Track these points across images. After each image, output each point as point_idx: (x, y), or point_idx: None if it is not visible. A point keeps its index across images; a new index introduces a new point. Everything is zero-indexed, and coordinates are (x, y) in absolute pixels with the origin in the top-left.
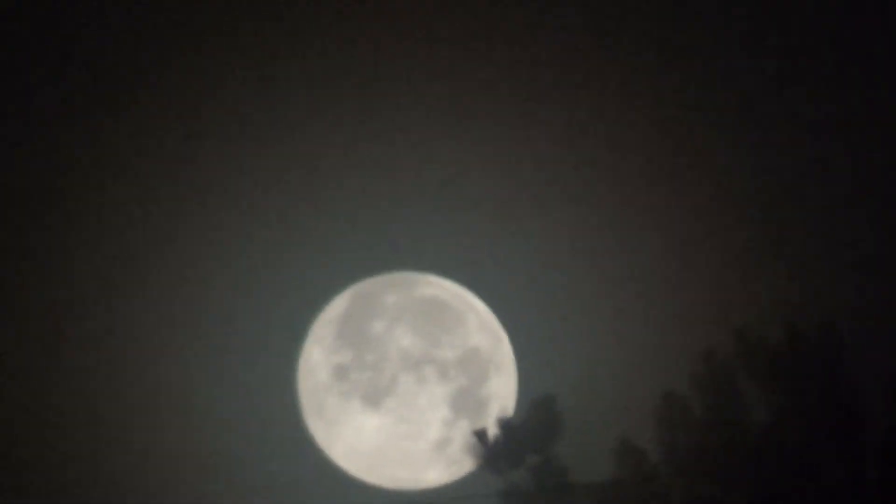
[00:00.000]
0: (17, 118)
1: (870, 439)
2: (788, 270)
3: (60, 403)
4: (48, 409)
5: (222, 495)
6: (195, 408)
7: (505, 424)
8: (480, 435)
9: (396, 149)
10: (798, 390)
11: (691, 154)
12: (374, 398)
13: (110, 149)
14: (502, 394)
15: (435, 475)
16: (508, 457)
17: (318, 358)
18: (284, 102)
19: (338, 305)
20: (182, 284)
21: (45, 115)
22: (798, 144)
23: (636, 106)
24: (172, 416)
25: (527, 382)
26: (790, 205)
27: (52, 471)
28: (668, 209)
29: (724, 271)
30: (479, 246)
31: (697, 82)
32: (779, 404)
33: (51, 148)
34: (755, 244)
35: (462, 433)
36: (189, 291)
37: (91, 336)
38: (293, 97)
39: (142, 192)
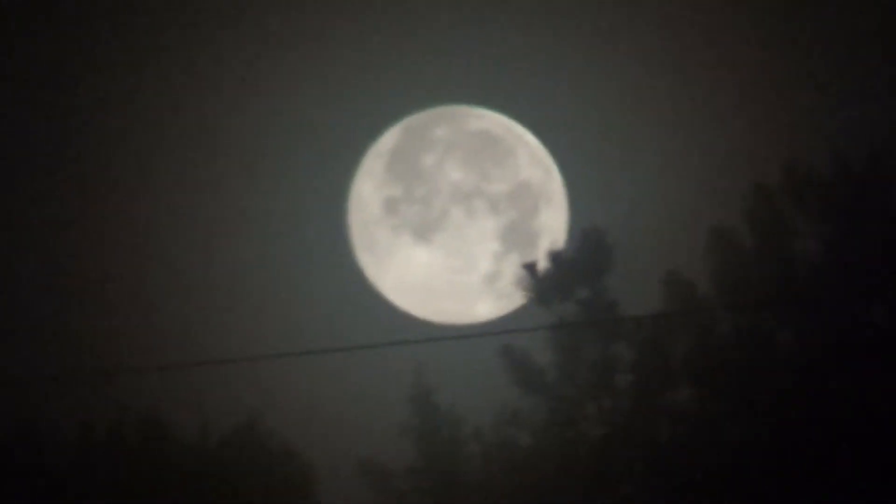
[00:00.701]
0: None
1: None
2: (837, 101)
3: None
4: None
5: (273, 331)
6: (247, 241)
7: (554, 257)
8: (530, 267)
9: None
10: (848, 223)
11: None
12: (424, 232)
13: None
14: (553, 227)
15: (485, 309)
16: (558, 289)
17: (368, 191)
18: None
19: (388, 139)
20: (231, 117)
21: None
22: None
23: None
24: (225, 253)
25: (577, 216)
26: (837, 36)
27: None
28: (715, 45)
29: (773, 103)
30: (530, 80)
31: None
32: (827, 237)
33: None
34: (803, 76)
35: (512, 267)
36: (238, 125)
37: (139, 181)
38: None
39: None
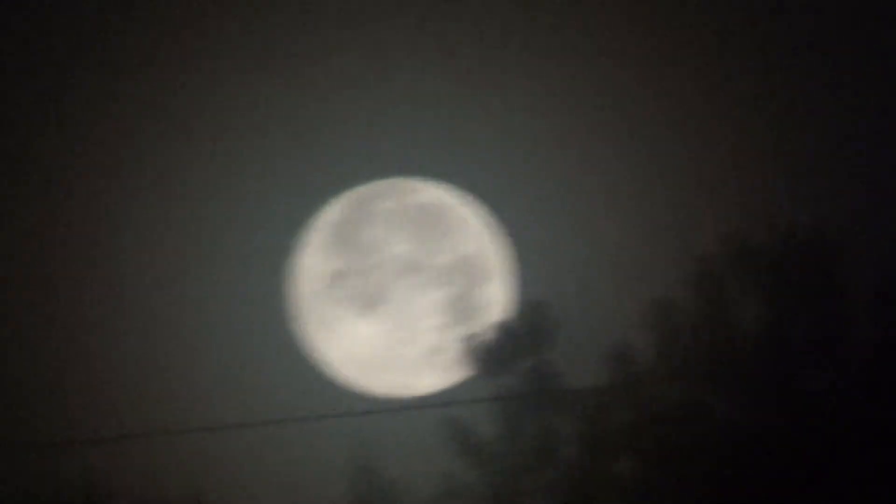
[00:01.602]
0: None
1: (859, 348)
2: (784, 175)
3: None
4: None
5: (216, 403)
6: (187, 316)
7: (498, 329)
8: (473, 339)
9: (393, 51)
10: (790, 295)
11: (687, 54)
12: (368, 304)
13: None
14: (497, 300)
15: (429, 381)
16: (501, 361)
17: (312, 264)
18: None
19: (332, 211)
20: (175, 193)
21: None
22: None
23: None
24: (164, 323)
25: (521, 289)
26: (785, 108)
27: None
28: (662, 113)
29: (718, 176)
30: (475, 151)
31: None
32: (770, 309)
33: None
34: (750, 148)
35: (456, 339)
36: (182, 198)
37: (77, 247)
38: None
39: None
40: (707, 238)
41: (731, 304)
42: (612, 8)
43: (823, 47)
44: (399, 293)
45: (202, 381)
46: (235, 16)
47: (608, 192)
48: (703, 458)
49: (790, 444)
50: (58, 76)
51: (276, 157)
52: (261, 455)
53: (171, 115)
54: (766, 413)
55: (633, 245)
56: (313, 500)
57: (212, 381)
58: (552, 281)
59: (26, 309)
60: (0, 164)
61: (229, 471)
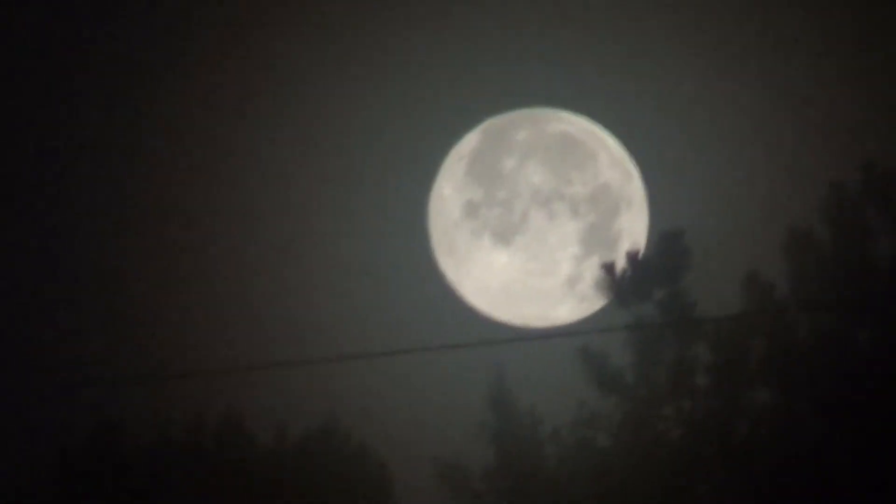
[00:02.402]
0: None
1: None
2: None
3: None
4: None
5: (354, 334)
6: (326, 246)
7: (633, 258)
8: (608, 268)
9: None
10: None
11: None
12: (504, 235)
13: None
14: (633, 230)
15: (565, 312)
16: (636, 290)
17: (448, 194)
18: None
19: (469, 142)
20: (314, 122)
21: None
22: None
23: None
24: (304, 253)
25: (658, 219)
26: None
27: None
28: (800, 40)
29: (854, 101)
30: (610, 82)
31: None
32: None
33: None
34: (884, 73)
35: (592, 270)
36: (321, 129)
37: (214, 180)
38: None
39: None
40: (844, 165)
41: (869, 233)
42: None
43: None
44: (536, 224)
45: (340, 311)
46: None
47: (743, 120)
48: (840, 389)
49: None
50: None
51: (414, 88)
52: (396, 385)
53: (316, 40)
54: None
55: (770, 173)
56: (449, 430)
57: (350, 311)
58: (688, 210)
59: (152, 240)
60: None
61: (363, 400)
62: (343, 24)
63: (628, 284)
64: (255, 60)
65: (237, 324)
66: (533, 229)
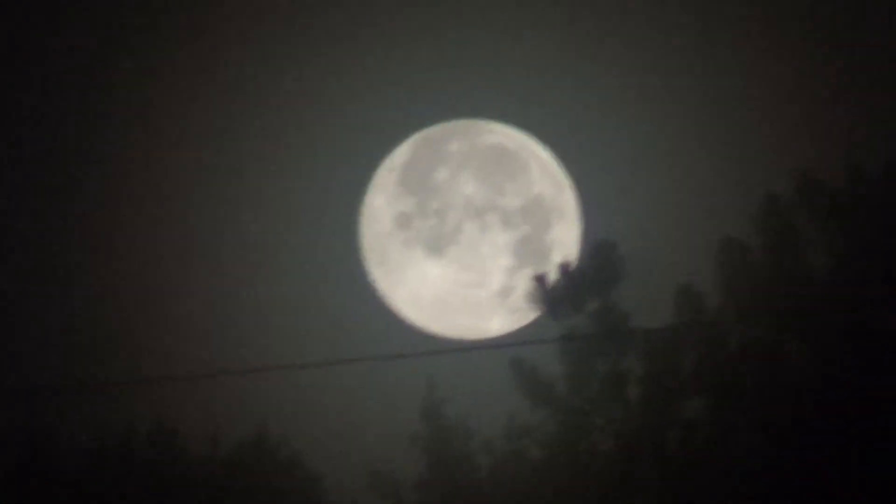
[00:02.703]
0: None
1: None
2: (852, 111)
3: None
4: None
5: (284, 343)
6: (258, 256)
7: (565, 269)
8: (540, 279)
9: None
10: (860, 233)
11: None
12: (437, 246)
13: None
14: (565, 241)
15: (497, 323)
16: (568, 302)
17: (381, 205)
18: None
19: (401, 153)
20: (247, 132)
21: None
22: None
23: None
24: (236, 264)
25: (590, 230)
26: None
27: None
28: (729, 54)
29: (786, 113)
30: (543, 93)
31: None
32: (840, 248)
33: None
34: (816, 85)
35: (524, 281)
36: (253, 137)
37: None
38: None
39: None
40: (777, 176)
41: (801, 243)
42: None
43: None
44: (468, 235)
45: (271, 321)
46: None
47: (676, 130)
48: (771, 398)
49: (859, 385)
50: None
51: (345, 100)
52: (328, 395)
53: (244, 58)
54: (836, 354)
55: (702, 184)
56: (381, 440)
57: (281, 321)
58: (620, 221)
59: (98, 241)
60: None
61: (296, 411)
62: (275, 37)
63: (560, 296)
64: (191, 75)
65: (170, 334)
66: (465, 241)
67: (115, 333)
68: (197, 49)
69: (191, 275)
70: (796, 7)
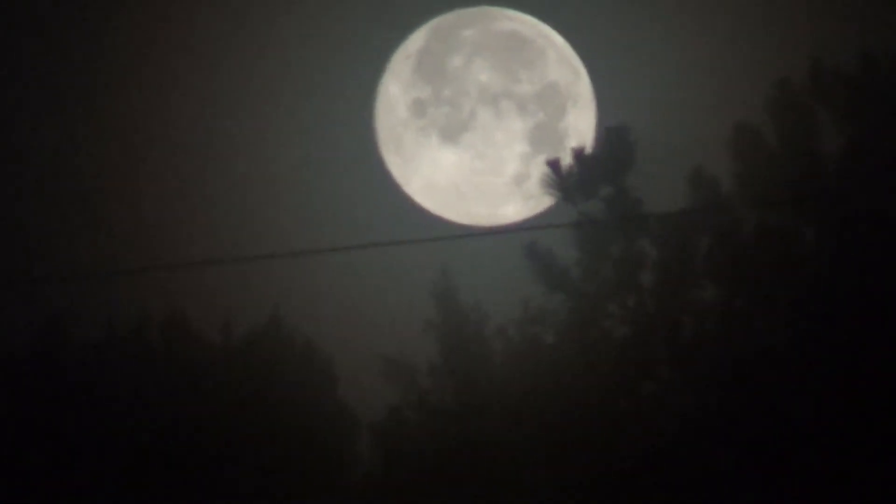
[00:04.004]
0: None
1: None
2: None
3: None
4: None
5: (299, 231)
6: (272, 143)
7: (578, 154)
8: (554, 165)
9: None
10: (874, 120)
11: None
12: (451, 133)
13: None
14: (581, 128)
15: (512, 210)
16: (582, 186)
17: (395, 93)
18: None
19: (415, 40)
20: (259, 19)
21: None
22: None
23: None
24: (249, 150)
25: (605, 117)
26: None
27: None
28: None
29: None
30: None
31: None
32: (854, 134)
33: None
34: None
35: (539, 168)
36: (268, 29)
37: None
38: None
39: None
40: (791, 61)
41: (815, 130)
42: None
43: None
44: (483, 122)
45: (286, 208)
46: None
47: (690, 18)
48: (785, 284)
49: (874, 272)
50: None
51: None
52: (341, 282)
53: None
54: (850, 240)
55: (716, 70)
56: (394, 326)
57: (296, 207)
58: (635, 108)
59: (97, 133)
60: None
61: (309, 297)
62: None
63: (574, 181)
64: None
65: (182, 221)
66: (480, 128)
67: (121, 221)
68: None
69: (206, 162)
70: None
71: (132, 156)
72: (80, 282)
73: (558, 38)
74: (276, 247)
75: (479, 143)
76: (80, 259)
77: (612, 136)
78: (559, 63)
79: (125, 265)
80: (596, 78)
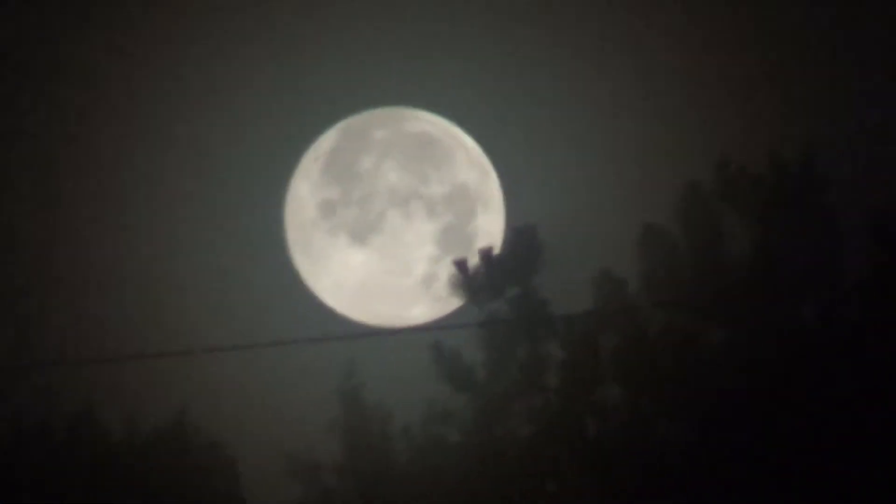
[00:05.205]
0: None
1: (850, 276)
2: (772, 102)
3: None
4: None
5: (206, 330)
6: (181, 242)
7: (486, 255)
8: (461, 265)
9: None
10: (781, 222)
11: None
12: (360, 234)
13: None
14: (490, 230)
15: (420, 311)
16: (489, 287)
17: (305, 193)
18: None
19: (326, 140)
20: (171, 117)
21: None
22: None
23: None
24: (158, 249)
25: (514, 219)
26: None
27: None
28: (653, 41)
29: (707, 103)
30: (468, 82)
31: None
32: (761, 236)
33: None
34: (739, 75)
35: (447, 270)
36: (178, 125)
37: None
38: None
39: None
40: (699, 164)
41: (722, 232)
42: None
43: None
44: (392, 223)
45: (192, 305)
46: None
47: (600, 119)
48: (690, 386)
49: (781, 373)
50: None
51: (270, 87)
52: (248, 379)
53: (166, 47)
54: (756, 343)
55: (624, 173)
56: (300, 424)
57: (202, 304)
58: (544, 209)
59: (13, 224)
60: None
61: (217, 392)
62: (201, 23)
63: (481, 281)
64: (112, 55)
65: (91, 317)
66: (389, 229)
67: (28, 316)
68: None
69: (116, 260)
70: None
71: (39, 253)
72: None
73: (468, 140)
74: (185, 343)
75: (387, 245)
76: None
77: (518, 236)
78: (469, 164)
79: (33, 359)
80: (505, 178)
